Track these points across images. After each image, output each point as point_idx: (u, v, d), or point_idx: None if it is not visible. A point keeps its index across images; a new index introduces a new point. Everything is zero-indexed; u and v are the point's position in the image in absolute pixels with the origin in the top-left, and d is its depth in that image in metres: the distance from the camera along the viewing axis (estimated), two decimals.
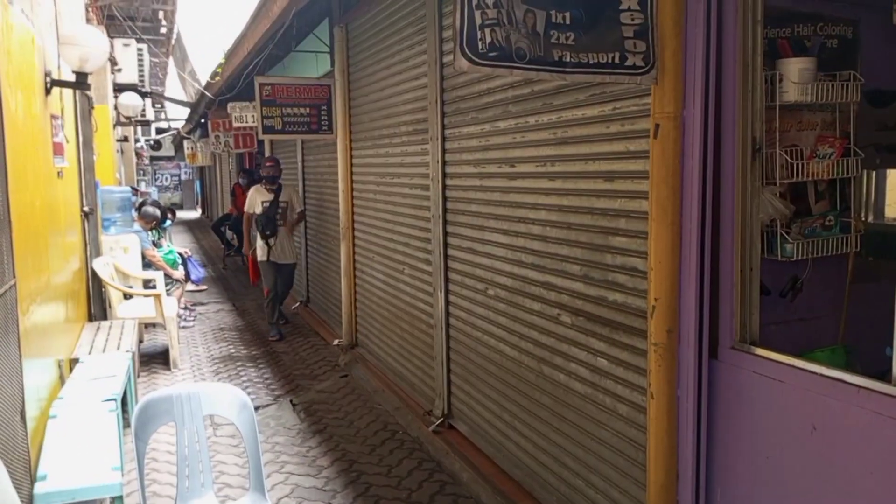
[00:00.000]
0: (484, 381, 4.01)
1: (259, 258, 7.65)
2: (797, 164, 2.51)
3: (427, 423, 4.63)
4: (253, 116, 8.88)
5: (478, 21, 2.21)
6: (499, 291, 3.77)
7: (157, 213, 8.84)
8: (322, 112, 6.70)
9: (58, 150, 4.95)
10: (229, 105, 9.48)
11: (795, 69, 2.43)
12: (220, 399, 2.89)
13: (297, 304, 9.08)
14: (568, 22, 2.30)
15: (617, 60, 2.37)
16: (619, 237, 2.77)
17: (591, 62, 2.35)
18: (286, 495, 4.03)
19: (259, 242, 7.60)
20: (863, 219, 2.75)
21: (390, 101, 5.38)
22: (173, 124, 22.25)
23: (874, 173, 2.90)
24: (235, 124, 9.45)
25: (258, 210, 7.55)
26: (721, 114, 2.34)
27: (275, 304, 7.82)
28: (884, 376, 1.87)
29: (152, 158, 29.22)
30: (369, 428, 4.97)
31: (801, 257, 2.50)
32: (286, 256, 7.70)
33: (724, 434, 2.35)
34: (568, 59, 2.33)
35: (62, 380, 4.57)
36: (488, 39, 2.23)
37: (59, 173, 5.02)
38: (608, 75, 2.38)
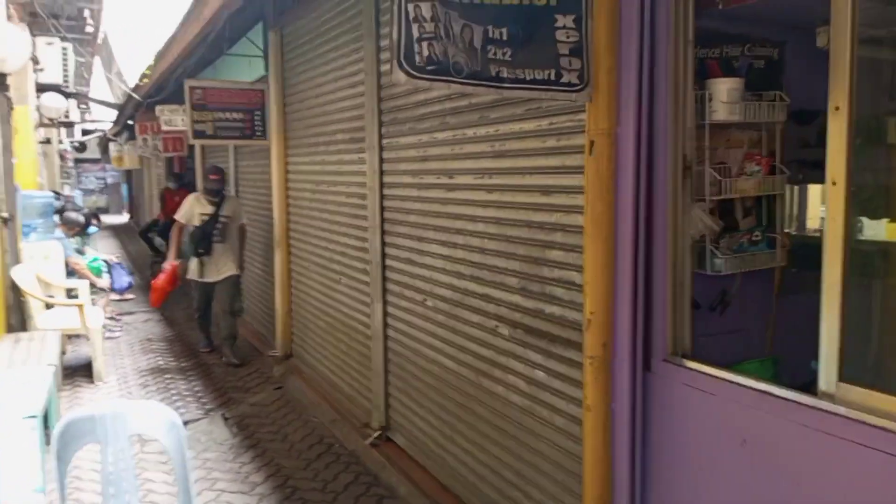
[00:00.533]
0: (423, 394, 3.99)
1: (189, 276, 6.95)
2: (726, 182, 2.58)
3: (364, 436, 4.57)
4: (183, 120, 8.62)
5: (415, 34, 2.20)
6: (438, 303, 3.76)
7: (81, 218, 8.50)
8: (256, 117, 6.57)
9: None
10: (158, 108, 9.20)
11: (724, 89, 2.50)
12: (147, 418, 2.77)
13: None
14: (505, 38, 2.31)
15: (553, 77, 2.40)
16: (556, 251, 2.79)
17: (527, 78, 2.36)
18: None
19: (192, 259, 6.87)
20: (788, 231, 2.86)
21: (326, 108, 5.31)
22: (99, 126, 21.47)
23: (797, 189, 3.02)
24: (165, 128, 9.18)
25: (195, 222, 6.73)
26: (654, 131, 2.39)
27: (204, 320, 7.28)
28: (810, 388, 1.94)
29: (77, 161, 28.12)
30: (304, 442, 4.87)
31: (729, 271, 2.57)
32: (221, 272, 6.85)
33: (659, 446, 2.39)
34: (505, 75, 2.34)
35: None
36: (426, 53, 2.21)
37: None
38: (544, 92, 2.40)
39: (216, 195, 6.75)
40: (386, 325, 4.44)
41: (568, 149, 2.71)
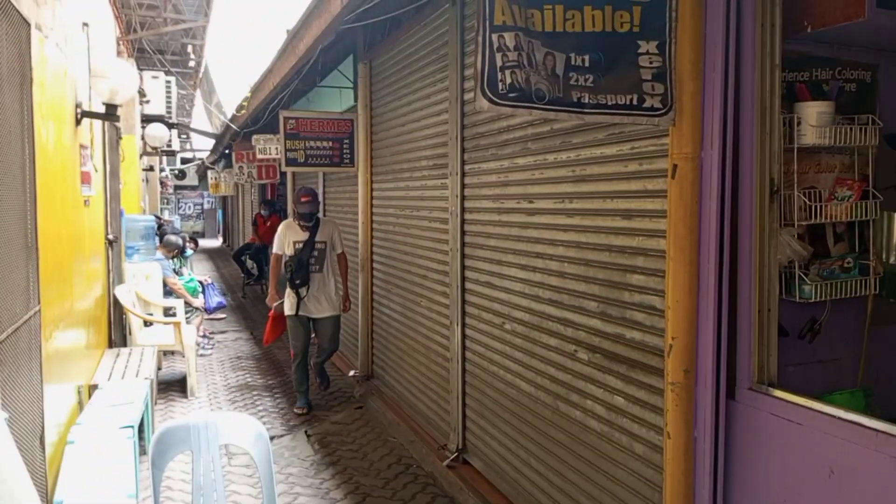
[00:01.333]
0: (499, 417, 4.00)
1: (287, 312, 6.11)
2: (815, 206, 2.51)
3: (441, 458, 4.61)
4: (276, 148, 9.02)
5: (499, 63, 2.27)
6: (516, 326, 3.78)
7: (179, 241, 8.97)
8: (344, 145, 6.81)
9: (85, 179, 5.07)
10: (254, 137, 9.66)
11: (813, 112, 2.45)
12: (236, 429, 2.91)
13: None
14: (587, 64, 2.35)
15: (635, 102, 2.41)
16: (637, 275, 2.78)
17: (609, 103, 2.39)
18: None
19: (287, 292, 6.09)
20: (883, 260, 2.74)
21: (411, 135, 5.46)
22: (198, 154, 22.65)
23: (894, 215, 2.89)
24: (259, 156, 9.61)
25: (289, 252, 6.00)
26: (739, 155, 2.36)
27: (303, 370, 6.23)
28: None
29: (176, 188, 29.68)
30: (383, 461, 4.95)
31: (819, 299, 2.49)
32: (323, 308, 6.09)
33: (741, 476, 2.33)
34: (586, 101, 2.37)
35: (81, 405, 4.62)
36: (508, 80, 2.28)
37: (85, 202, 5.13)
38: (626, 116, 2.42)
39: (309, 219, 6.01)
40: (464, 347, 4.48)
41: (650, 173, 2.71)
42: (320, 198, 8.75)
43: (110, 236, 6.51)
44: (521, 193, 3.75)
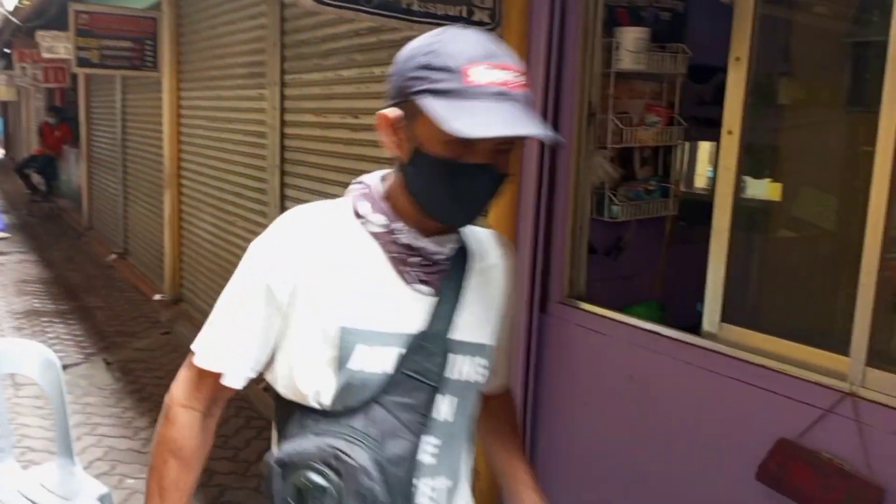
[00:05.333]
0: None
1: None
2: (627, 130, 2.63)
3: (258, 381, 4.47)
4: (66, 48, 7.97)
5: None
6: None
7: None
8: (146, 47, 6.16)
9: None
10: (38, 33, 8.47)
11: (631, 38, 2.54)
12: (21, 356, 2.59)
13: (114, 255, 8.41)
14: None
15: (464, 14, 2.35)
16: None
17: (438, 13, 2.31)
18: (98, 458, 3.75)
19: None
20: (682, 187, 2.96)
21: (224, 40, 5.05)
22: None
23: (689, 145, 3.13)
24: (45, 55, 8.47)
25: (325, 399, 1.08)
26: (562, 76, 2.40)
27: None
28: (694, 329, 2.03)
29: None
30: None
31: (625, 218, 2.65)
32: None
33: (550, 382, 2.46)
34: (416, 8, 2.28)
35: None
36: None
37: None
38: None
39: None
40: None
41: None
42: (119, 107, 7.93)
43: None
44: (346, 108, 3.60)
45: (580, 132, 2.42)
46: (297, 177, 4.11)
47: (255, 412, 4.30)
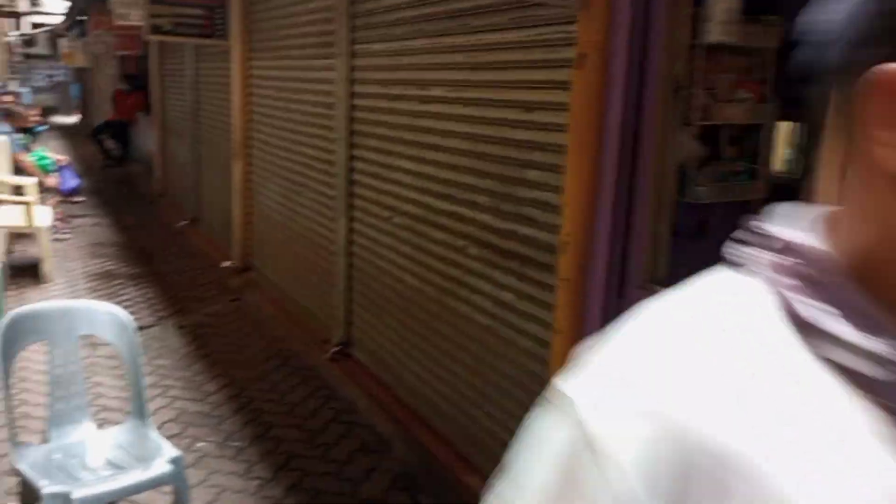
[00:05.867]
0: (386, 311, 3.93)
1: None
2: (714, 107, 2.49)
3: (324, 351, 4.52)
4: (139, 15, 8.12)
5: None
6: (404, 220, 3.65)
7: (26, 112, 8.07)
8: (217, 15, 6.19)
9: None
10: (112, 1, 8.64)
11: (722, 7, 2.38)
12: (97, 318, 2.65)
13: (184, 222, 8.61)
14: None
15: None
16: (534, 170, 2.69)
17: None
18: (171, 420, 3.86)
19: None
20: (769, 168, 2.80)
21: (293, 9, 5.02)
22: (51, 20, 20.25)
23: (774, 126, 2.94)
24: (118, 22, 8.64)
25: None
26: (647, 47, 2.27)
27: None
28: None
29: (26, 56, 26.63)
30: (261, 354, 4.81)
31: (710, 201, 2.51)
32: None
33: None
34: None
35: None
36: None
37: None
38: None
39: None
40: (350, 240, 4.33)
41: (555, 62, 2.58)
42: (191, 76, 8.04)
43: None
44: (413, 79, 3.53)
45: (665, 107, 2.29)
46: (365, 148, 4.08)
47: (321, 382, 4.35)
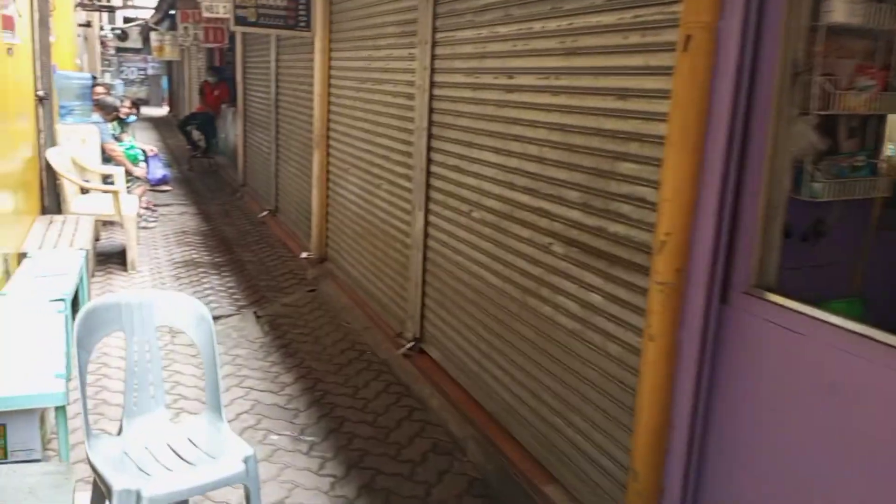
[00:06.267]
0: (461, 308, 3.80)
1: None
2: (834, 95, 2.24)
3: (397, 346, 4.44)
4: (225, 7, 8.26)
5: None
6: (485, 215, 3.51)
7: (117, 102, 8.32)
8: (300, 6, 6.19)
9: (7, 23, 4.47)
10: None
11: None
12: (175, 309, 2.62)
13: (265, 212, 8.74)
14: None
15: None
16: (628, 163, 2.50)
17: None
18: (245, 411, 3.84)
19: None
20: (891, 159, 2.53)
21: None
22: (142, 14, 21.04)
23: None
24: (206, 14, 8.82)
25: None
26: (762, 28, 2.05)
27: None
28: None
29: (118, 49, 27.80)
30: (336, 346, 4.77)
31: (827, 198, 2.27)
32: None
33: (728, 383, 2.17)
34: None
35: (7, 274, 4.26)
36: None
37: (8, 50, 4.54)
38: None
39: None
40: (427, 234, 4.22)
41: (654, 46, 2.38)
42: (273, 68, 8.12)
43: (41, 93, 5.91)
44: (499, 67, 3.38)
45: (780, 95, 2.07)
46: (445, 140, 3.96)
47: (394, 377, 4.27)
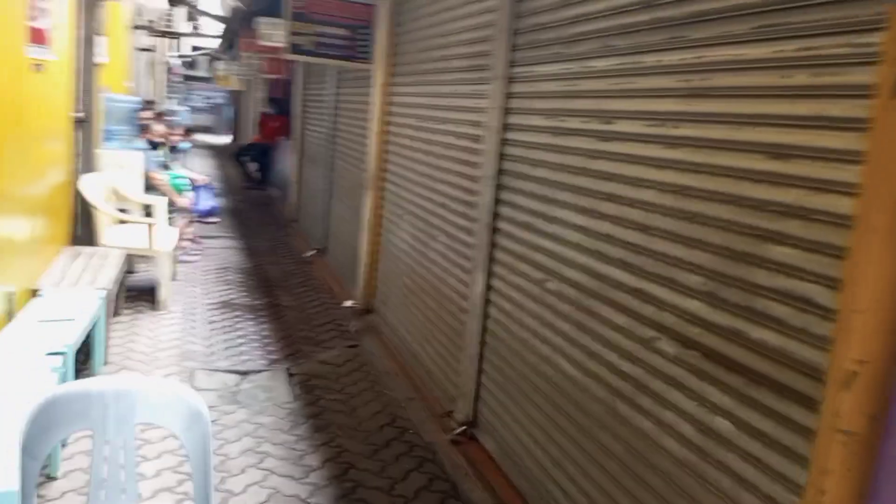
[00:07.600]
0: (527, 397, 3.12)
1: None
2: None
3: (446, 429, 3.77)
4: (283, 36, 7.88)
5: None
6: (564, 288, 2.85)
7: (162, 128, 7.99)
8: (360, 36, 5.71)
9: (36, 37, 4.05)
10: (260, 20, 8.49)
11: None
12: (163, 403, 2.01)
13: (313, 251, 8.22)
14: None
15: None
16: (785, 247, 1.81)
17: None
18: (261, 503, 3.21)
19: None
20: None
21: (444, 28, 4.40)
22: (209, 43, 21.26)
23: None
24: (264, 43, 8.47)
25: None
26: None
27: None
28: None
29: (186, 78, 28.31)
30: (374, 420, 4.12)
31: None
32: None
33: None
34: None
35: (9, 316, 3.75)
36: None
37: (36, 66, 4.12)
38: None
39: None
40: (487, 300, 3.57)
41: (834, 88, 1.71)
42: (332, 101, 7.67)
43: (80, 114, 5.53)
44: (592, 109, 2.75)
45: None
46: (516, 192, 3.33)
47: (440, 469, 3.58)
